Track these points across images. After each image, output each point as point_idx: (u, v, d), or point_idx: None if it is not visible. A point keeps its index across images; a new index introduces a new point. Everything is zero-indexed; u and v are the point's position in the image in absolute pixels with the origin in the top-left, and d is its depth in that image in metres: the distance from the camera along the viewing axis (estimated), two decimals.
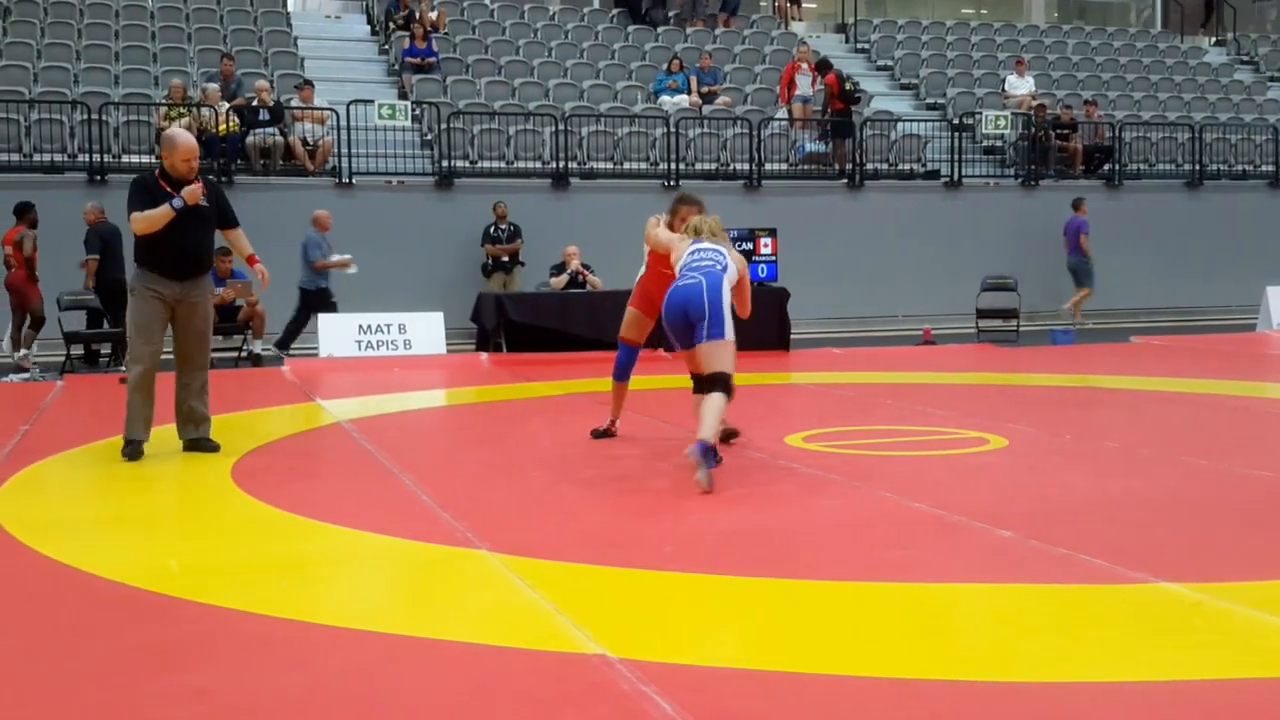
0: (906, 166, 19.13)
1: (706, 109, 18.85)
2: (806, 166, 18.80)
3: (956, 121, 19.90)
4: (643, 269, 7.86)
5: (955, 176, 18.98)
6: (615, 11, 22.02)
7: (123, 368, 12.44)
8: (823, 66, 19.27)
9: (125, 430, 7.36)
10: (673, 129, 17.55)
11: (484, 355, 13.97)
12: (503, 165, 17.21)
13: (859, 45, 23.35)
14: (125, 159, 15.60)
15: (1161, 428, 8.66)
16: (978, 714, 3.41)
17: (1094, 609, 4.31)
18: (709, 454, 6.32)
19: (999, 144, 20.16)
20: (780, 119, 18.83)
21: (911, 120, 19.90)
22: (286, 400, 10.58)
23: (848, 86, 18.86)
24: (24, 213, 13.37)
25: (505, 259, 15.97)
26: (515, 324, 14.06)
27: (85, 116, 15.42)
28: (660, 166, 17.65)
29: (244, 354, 13.99)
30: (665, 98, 18.79)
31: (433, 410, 10.88)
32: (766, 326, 13.71)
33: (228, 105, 16.05)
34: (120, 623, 4.28)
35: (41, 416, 9.50)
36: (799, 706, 3.42)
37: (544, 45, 20.27)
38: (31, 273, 13.31)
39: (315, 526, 5.68)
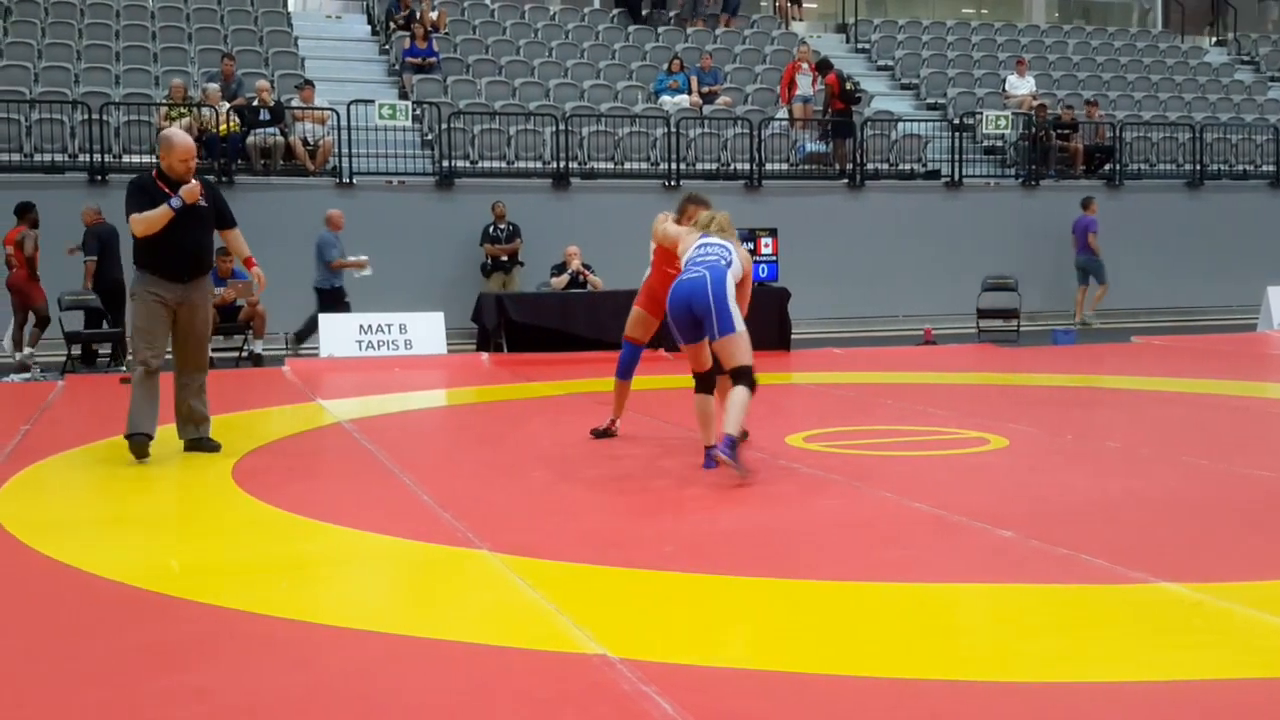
0: (907, 166, 19.13)
1: (707, 109, 18.85)
2: (807, 166, 18.80)
3: (957, 121, 19.90)
4: (649, 270, 7.88)
5: (956, 176, 18.98)
6: (616, 11, 22.02)
7: (123, 368, 12.48)
8: (823, 66, 19.27)
9: (129, 425, 7.28)
10: (673, 129, 17.55)
11: (484, 355, 13.98)
12: (503, 165, 17.21)
13: (859, 45, 23.35)
14: (126, 159, 15.60)
15: (1162, 428, 8.66)
16: (978, 714, 3.41)
17: (1094, 609, 4.31)
18: (734, 446, 6.40)
19: (999, 144, 20.15)
20: (781, 119, 18.83)
21: (912, 120, 19.90)
22: (287, 400, 10.58)
23: (848, 86, 18.86)
24: (25, 213, 13.38)
25: (504, 259, 15.97)
26: (516, 324, 14.07)
27: (86, 116, 15.42)
28: (661, 167, 17.65)
29: (244, 354, 14.00)
30: (666, 98, 18.79)
31: (433, 410, 10.88)
32: (767, 326, 13.70)
33: (228, 105, 16.05)
34: (120, 623, 4.28)
35: (42, 416, 9.50)
36: (799, 706, 3.42)
37: (544, 45, 20.27)
38: (33, 272, 13.33)
39: (316, 526, 5.68)
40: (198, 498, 6.65)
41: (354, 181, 16.24)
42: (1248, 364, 12.99)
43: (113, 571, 4.88)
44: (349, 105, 16.19)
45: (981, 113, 19.75)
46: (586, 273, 14.88)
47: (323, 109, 16.70)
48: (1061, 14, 29.51)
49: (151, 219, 7.24)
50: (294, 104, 16.70)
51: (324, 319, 13.80)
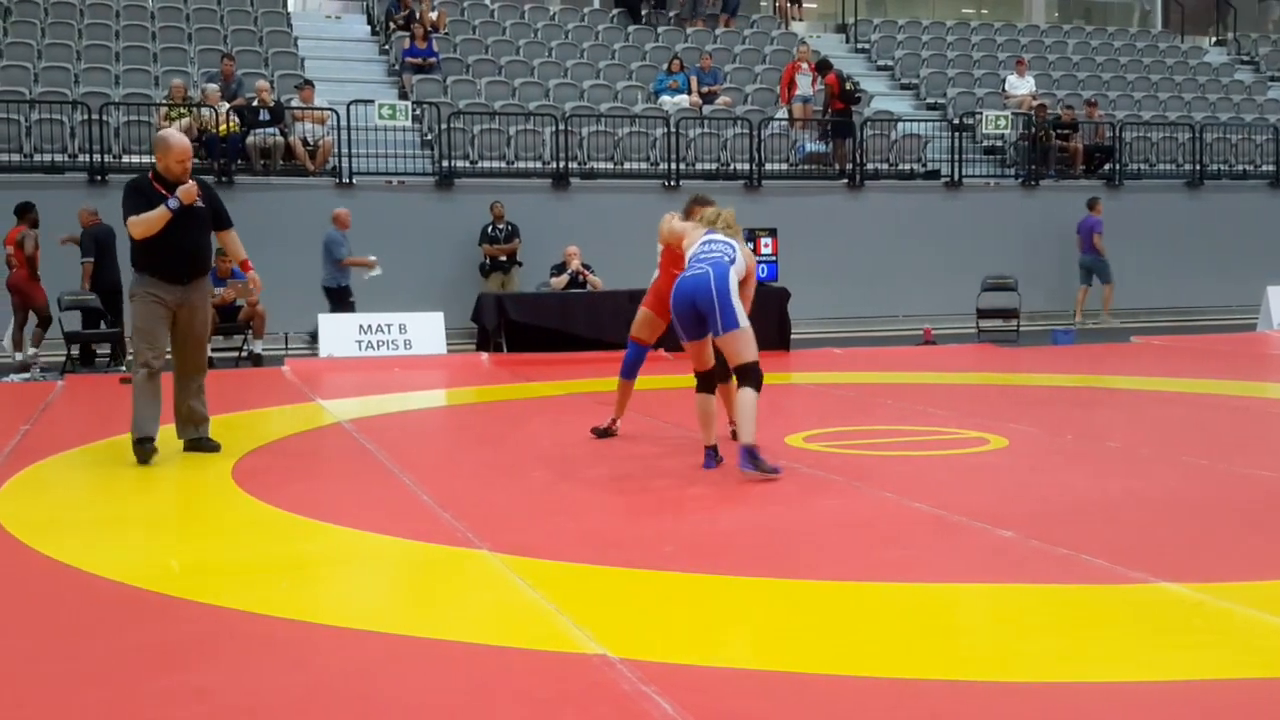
0: (907, 166, 19.13)
1: (707, 109, 18.85)
2: (807, 166, 18.80)
3: (957, 121, 19.90)
4: (656, 272, 7.89)
5: (955, 176, 18.98)
6: (615, 11, 22.02)
7: (123, 368, 12.48)
8: (823, 66, 19.26)
9: (134, 430, 7.29)
10: (673, 129, 17.55)
11: (484, 355, 13.98)
12: (503, 165, 17.21)
13: (859, 45, 23.35)
14: (126, 159, 15.60)
15: (1162, 428, 8.66)
16: (978, 714, 3.41)
17: (1094, 609, 4.31)
18: (753, 456, 6.43)
19: (999, 144, 20.15)
20: (780, 119, 18.83)
21: (912, 120, 19.89)
22: (287, 400, 10.58)
23: (848, 86, 18.86)
24: (25, 213, 13.39)
25: (503, 259, 15.97)
26: (516, 324, 14.07)
27: (86, 117, 15.42)
28: (660, 167, 17.65)
29: (244, 354, 14.00)
30: (665, 98, 18.79)
31: (433, 410, 10.88)
32: (767, 326, 13.68)
33: (228, 105, 16.05)
34: (120, 623, 4.28)
35: (42, 416, 9.50)
36: (799, 706, 3.42)
37: (544, 45, 20.27)
38: (34, 272, 13.33)
39: (316, 526, 5.68)
40: (198, 498, 6.65)
41: (354, 181, 16.24)
42: (1247, 364, 12.99)
43: (113, 571, 4.88)
44: (349, 105, 16.19)
45: (981, 113, 19.76)
46: (586, 273, 14.88)
47: (322, 109, 16.70)
48: (1061, 14, 29.52)
49: (149, 221, 7.23)
50: (294, 104, 16.70)
51: (324, 319, 13.81)
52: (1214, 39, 26.45)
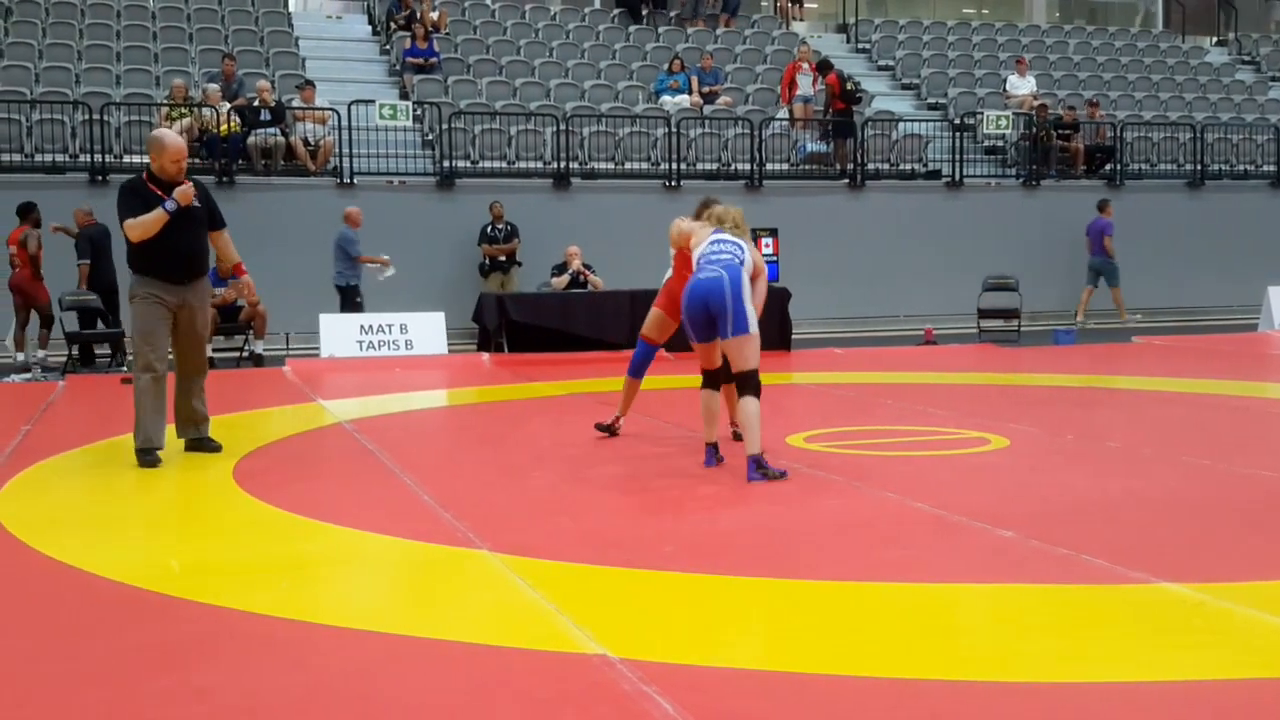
0: (908, 166, 19.12)
1: (708, 109, 18.85)
2: (808, 166, 18.80)
3: (958, 121, 19.90)
4: (669, 272, 7.90)
5: (956, 176, 18.98)
6: (616, 12, 22.02)
7: (123, 368, 12.48)
8: (824, 66, 19.26)
9: (139, 439, 7.25)
10: (674, 129, 17.55)
11: (485, 355, 13.98)
12: (504, 165, 17.21)
13: (860, 45, 23.35)
14: (126, 159, 15.59)
15: (1163, 428, 8.66)
16: (978, 714, 3.41)
17: (1095, 609, 4.31)
18: (761, 465, 6.46)
19: (1000, 144, 20.15)
20: (781, 119, 18.83)
21: (913, 120, 19.89)
22: (288, 400, 10.58)
23: (849, 86, 18.85)
24: (27, 213, 13.40)
25: (503, 259, 15.97)
26: (516, 324, 14.07)
27: (86, 117, 15.42)
28: (661, 167, 17.65)
29: (245, 354, 14.00)
30: (666, 98, 18.79)
31: (434, 410, 10.88)
32: (768, 326, 13.61)
33: (229, 105, 16.05)
34: (121, 623, 4.29)
35: (43, 416, 9.51)
36: (799, 706, 3.42)
37: (545, 45, 20.27)
38: (37, 272, 13.34)
39: (316, 526, 5.69)
40: (198, 498, 6.65)
41: (355, 182, 16.24)
42: (1248, 364, 13.00)
43: (113, 571, 4.88)
44: (349, 105, 16.19)
45: (982, 113, 19.75)
46: (587, 273, 14.89)
47: (323, 109, 16.70)
48: (1062, 14, 29.52)
49: (147, 224, 7.20)
50: (295, 104, 16.71)
51: (324, 319, 13.80)
52: (1215, 39, 26.44)
